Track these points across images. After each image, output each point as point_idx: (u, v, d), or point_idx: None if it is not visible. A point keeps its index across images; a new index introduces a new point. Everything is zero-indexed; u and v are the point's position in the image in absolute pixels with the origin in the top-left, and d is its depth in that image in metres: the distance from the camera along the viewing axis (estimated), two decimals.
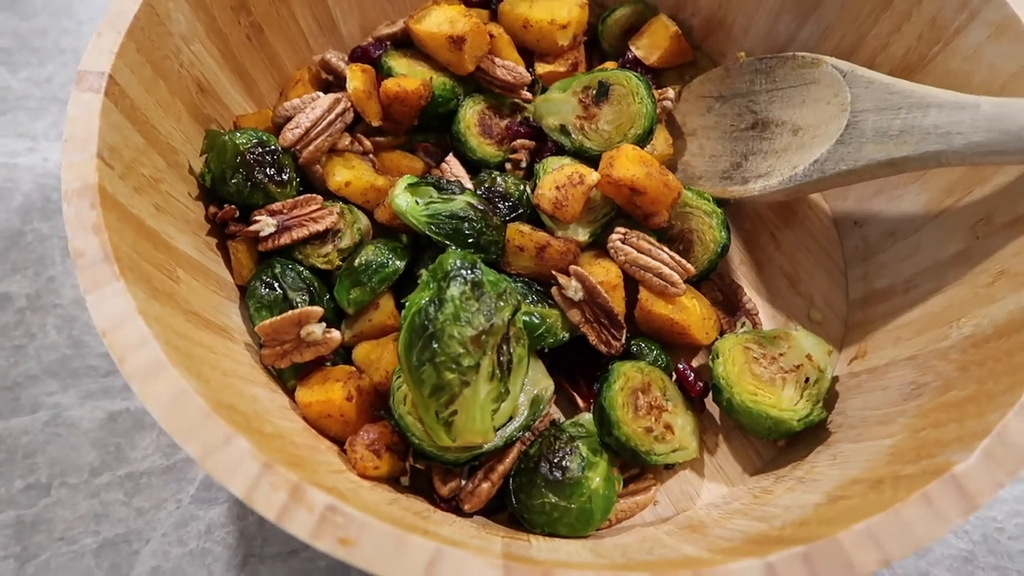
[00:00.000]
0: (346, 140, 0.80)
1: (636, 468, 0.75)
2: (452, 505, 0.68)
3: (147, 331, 0.50)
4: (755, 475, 0.76)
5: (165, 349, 0.50)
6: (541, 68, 0.90)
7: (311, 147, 0.76)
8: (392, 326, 0.74)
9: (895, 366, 0.71)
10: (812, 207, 0.92)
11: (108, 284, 0.51)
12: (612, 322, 0.72)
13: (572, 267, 0.72)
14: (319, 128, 0.76)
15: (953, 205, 0.73)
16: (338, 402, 0.66)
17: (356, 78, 0.79)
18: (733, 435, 0.79)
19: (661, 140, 0.87)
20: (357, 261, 0.73)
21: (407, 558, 0.45)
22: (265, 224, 0.72)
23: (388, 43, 0.87)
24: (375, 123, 0.81)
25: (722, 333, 0.81)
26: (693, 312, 0.76)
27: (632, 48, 0.93)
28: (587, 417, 0.73)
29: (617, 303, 0.74)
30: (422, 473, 0.70)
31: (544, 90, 0.87)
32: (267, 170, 0.74)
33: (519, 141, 0.84)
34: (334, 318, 0.74)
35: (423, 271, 0.65)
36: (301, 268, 0.73)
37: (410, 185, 0.72)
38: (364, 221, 0.78)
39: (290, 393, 0.70)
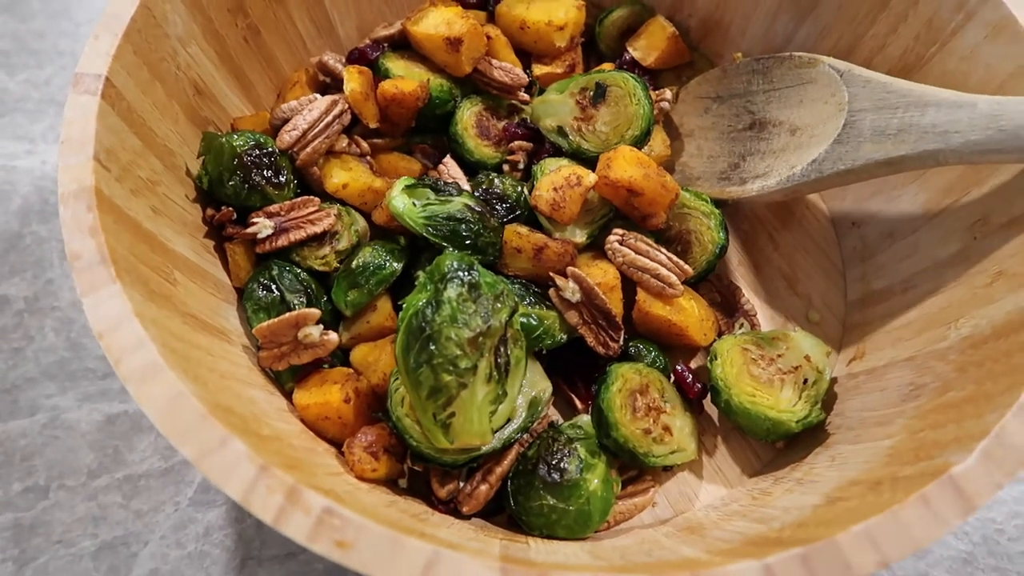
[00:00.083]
0: (343, 142, 0.80)
1: (634, 470, 0.75)
2: (450, 507, 0.68)
3: (144, 333, 0.50)
4: (754, 477, 0.76)
5: (162, 351, 0.50)
6: (538, 69, 0.90)
7: (308, 149, 0.76)
8: (390, 328, 0.74)
9: (893, 367, 0.71)
10: (810, 208, 0.92)
11: (105, 286, 0.51)
12: (610, 323, 0.72)
13: (570, 268, 0.72)
14: (316, 130, 0.76)
15: (951, 206, 0.73)
16: (336, 404, 0.66)
17: (353, 80, 0.79)
18: (731, 436, 0.79)
19: (659, 141, 0.87)
20: (355, 263, 0.73)
21: (404, 561, 0.45)
22: (262, 226, 0.72)
23: (385, 45, 0.87)
24: (372, 125, 0.81)
25: (720, 334, 0.81)
26: (691, 313, 0.76)
27: (629, 49, 0.93)
28: (585, 419, 0.73)
29: (615, 304, 0.74)
30: (420, 475, 0.69)
31: (541, 91, 0.87)
32: (264, 172, 0.74)
33: (516, 143, 0.84)
34: (332, 320, 0.74)
35: (420, 273, 0.65)
36: (299, 270, 0.73)
37: (407, 187, 0.72)
38: (362, 223, 0.78)
39: (288, 395, 0.70)
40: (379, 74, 0.83)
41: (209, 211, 0.74)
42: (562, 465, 0.67)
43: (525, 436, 0.69)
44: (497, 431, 0.65)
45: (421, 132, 0.87)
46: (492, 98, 0.87)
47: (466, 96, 0.86)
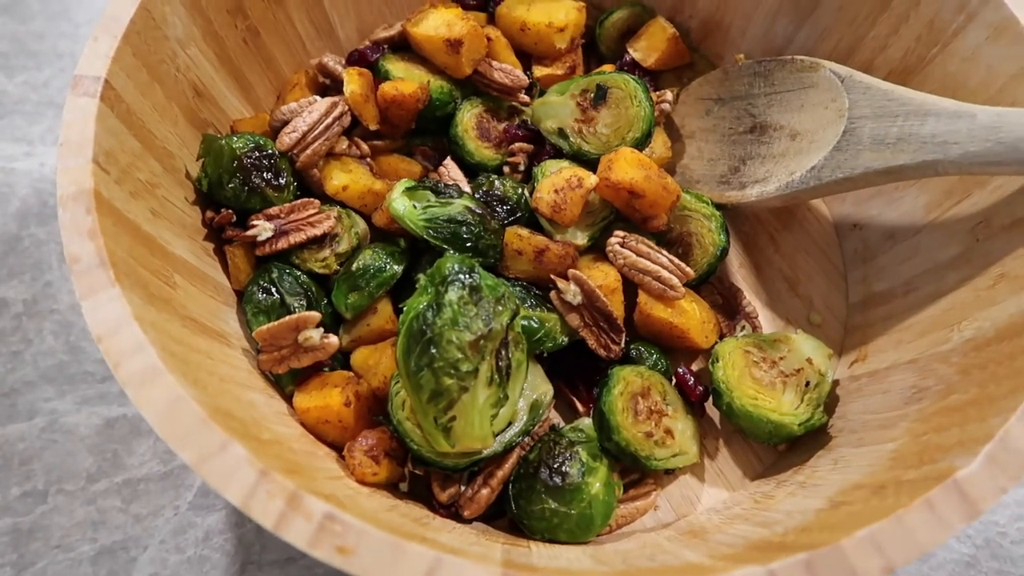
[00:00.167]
0: (343, 144, 0.79)
1: (636, 473, 0.75)
2: (451, 511, 0.67)
3: (143, 337, 0.50)
4: (756, 480, 0.75)
5: (161, 355, 0.50)
6: (539, 71, 0.90)
7: (308, 151, 0.75)
8: (390, 331, 0.73)
9: (896, 370, 0.71)
10: (811, 209, 0.91)
11: (104, 290, 0.51)
12: (611, 326, 0.72)
13: (571, 271, 0.72)
14: (316, 132, 0.76)
15: (952, 208, 0.73)
16: (336, 408, 0.66)
17: (353, 82, 0.79)
18: (733, 439, 0.78)
19: (660, 143, 0.87)
20: (355, 265, 0.73)
21: (405, 566, 0.45)
22: (262, 229, 0.72)
23: (385, 46, 0.87)
24: (372, 127, 0.81)
25: (722, 337, 0.80)
26: (692, 316, 0.76)
27: (630, 50, 0.93)
28: (587, 422, 0.73)
29: (616, 307, 0.74)
30: (421, 479, 0.69)
31: (542, 93, 0.87)
32: (264, 174, 0.73)
33: (517, 144, 0.84)
34: (332, 323, 0.74)
35: (421, 276, 0.64)
36: (299, 273, 0.73)
37: (408, 189, 0.72)
38: (362, 225, 0.78)
39: (288, 399, 0.70)
40: (379, 76, 0.83)
41: (209, 213, 0.73)
42: (564, 469, 0.67)
43: (526, 439, 0.69)
44: (498, 435, 0.65)
45: (421, 134, 0.87)
46: (492, 100, 0.87)
47: (466, 98, 0.86)
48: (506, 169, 0.84)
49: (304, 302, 0.72)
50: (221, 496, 0.71)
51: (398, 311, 0.74)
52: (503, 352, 0.62)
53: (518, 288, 0.73)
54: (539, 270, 0.73)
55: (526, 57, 0.91)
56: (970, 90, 0.70)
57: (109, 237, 0.54)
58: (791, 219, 0.91)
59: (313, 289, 0.73)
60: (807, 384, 0.72)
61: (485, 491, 0.67)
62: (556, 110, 0.81)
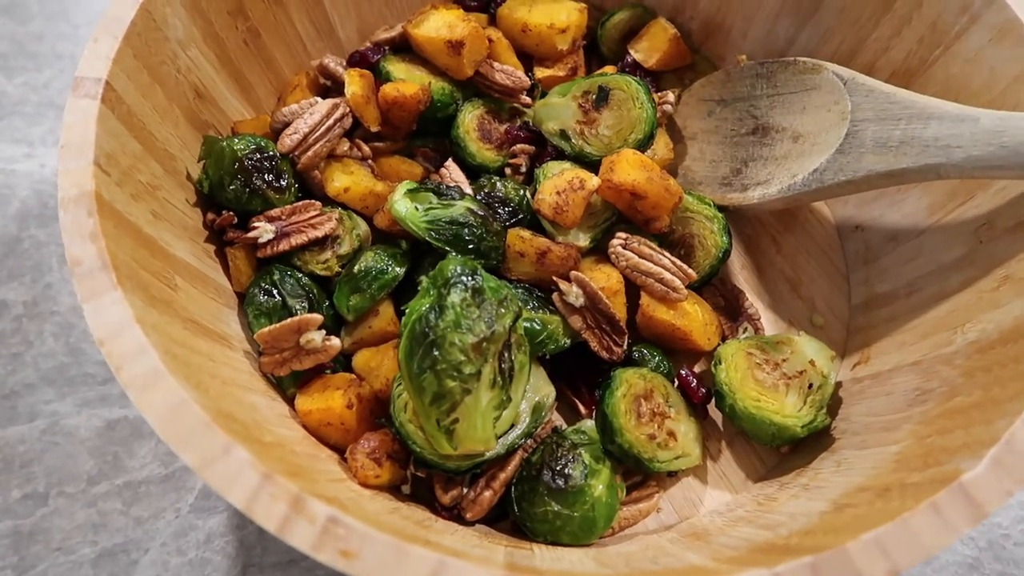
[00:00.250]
0: (345, 145, 0.79)
1: (639, 475, 0.75)
2: (454, 514, 0.67)
3: (145, 340, 0.49)
4: (759, 482, 0.75)
5: (163, 358, 0.49)
6: (540, 72, 0.90)
7: (309, 153, 0.75)
8: (392, 333, 0.73)
9: (899, 372, 0.71)
10: (813, 211, 0.91)
11: (106, 292, 0.51)
12: (614, 328, 0.72)
13: (573, 273, 0.72)
14: (317, 133, 0.75)
15: (956, 210, 0.73)
16: (338, 410, 0.66)
17: (354, 83, 0.79)
18: (736, 442, 0.78)
19: (662, 145, 0.87)
20: (356, 267, 0.73)
21: (409, 570, 0.44)
22: (263, 230, 0.72)
23: (386, 48, 0.87)
24: (374, 128, 0.81)
25: (724, 338, 0.80)
26: (695, 318, 0.75)
27: (631, 51, 0.93)
28: (589, 424, 0.72)
29: (618, 309, 0.73)
30: (423, 481, 0.69)
31: (543, 94, 0.87)
32: (265, 176, 0.73)
33: (519, 146, 0.84)
34: (333, 325, 0.74)
35: (423, 278, 0.64)
36: (300, 275, 0.73)
37: (409, 191, 0.72)
38: (363, 227, 0.77)
39: (289, 401, 0.69)
40: (380, 77, 0.83)
41: (210, 215, 0.73)
42: (566, 471, 0.66)
43: (529, 442, 0.69)
44: (501, 437, 0.65)
45: (422, 135, 0.86)
46: (494, 101, 0.86)
47: (468, 99, 0.86)
48: (508, 171, 0.84)
49: (306, 304, 0.72)
50: (224, 499, 0.71)
51: (400, 313, 0.73)
52: (506, 354, 0.62)
53: (520, 290, 0.73)
54: (541, 272, 0.73)
55: (527, 58, 0.91)
56: (973, 92, 0.70)
57: (111, 239, 0.53)
58: (793, 221, 0.90)
59: (315, 291, 0.73)
60: (810, 386, 0.72)
61: (487, 493, 0.67)
62: (558, 111, 0.81)
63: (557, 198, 0.74)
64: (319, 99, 0.79)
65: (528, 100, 0.86)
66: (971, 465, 0.48)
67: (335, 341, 0.67)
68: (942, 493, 0.47)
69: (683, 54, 0.94)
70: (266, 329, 0.65)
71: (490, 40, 0.84)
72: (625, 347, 0.73)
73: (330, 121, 0.76)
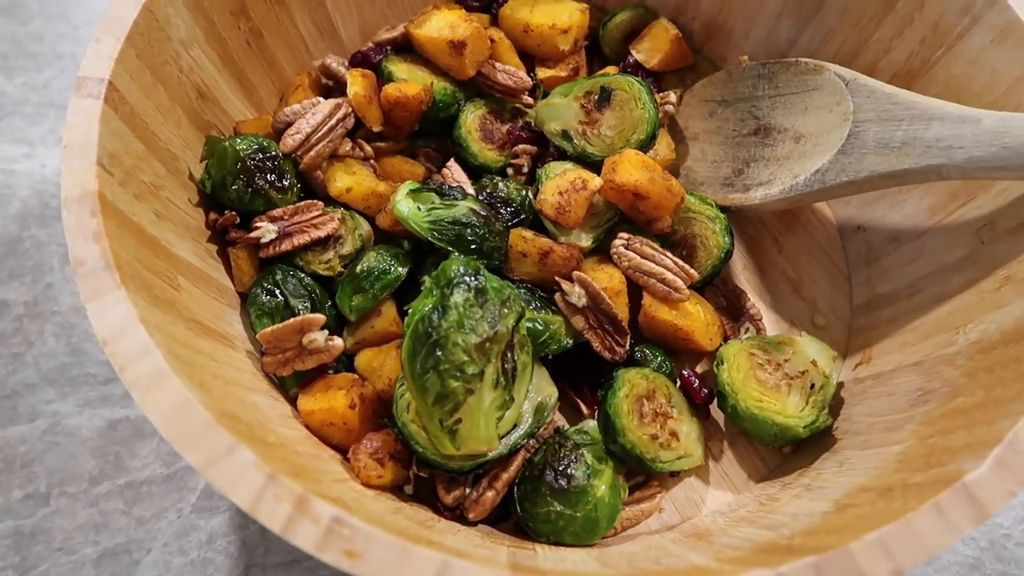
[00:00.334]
0: (347, 146, 0.79)
1: (641, 475, 0.75)
2: (456, 514, 0.67)
3: (149, 340, 0.49)
4: (761, 482, 0.75)
5: (167, 358, 0.49)
6: (542, 73, 0.90)
7: (312, 153, 0.75)
8: (395, 333, 0.73)
9: (901, 372, 0.71)
10: (815, 212, 0.91)
11: (109, 293, 0.51)
12: (616, 328, 0.72)
13: (575, 273, 0.72)
14: (320, 134, 0.75)
15: (957, 210, 0.73)
16: (341, 410, 0.66)
17: (357, 83, 0.79)
18: (738, 442, 0.78)
19: (664, 145, 0.87)
20: (359, 267, 0.73)
21: (413, 570, 0.45)
22: (266, 230, 0.72)
23: (388, 48, 0.87)
24: (376, 128, 0.81)
25: (726, 339, 0.80)
26: (697, 318, 0.75)
27: (633, 52, 0.93)
28: (591, 424, 0.72)
29: (621, 309, 0.73)
30: (426, 482, 0.69)
31: (545, 95, 0.87)
32: (268, 176, 0.73)
33: (521, 146, 0.84)
34: (336, 325, 0.74)
35: (426, 278, 0.64)
36: (302, 275, 0.73)
37: (412, 191, 0.72)
38: (365, 227, 0.77)
39: (292, 401, 0.69)
40: (382, 77, 0.83)
41: (212, 215, 0.73)
42: (569, 471, 0.66)
43: (531, 442, 0.69)
44: (503, 437, 0.65)
45: (425, 135, 0.86)
46: (496, 101, 0.86)
47: (470, 99, 0.86)
48: (510, 171, 0.84)
49: (308, 304, 0.72)
50: (227, 499, 0.71)
51: (402, 313, 0.74)
52: (508, 354, 0.62)
53: (523, 290, 0.73)
54: (544, 272, 0.73)
55: (529, 59, 0.91)
56: (974, 93, 0.70)
57: (114, 239, 0.53)
58: (794, 221, 0.91)
59: (317, 291, 0.73)
60: (812, 386, 0.72)
61: (490, 493, 0.67)
62: (560, 112, 0.81)
63: (559, 198, 0.74)
64: (321, 99, 0.79)
65: (530, 100, 0.86)
66: (974, 465, 0.48)
67: (337, 341, 0.67)
68: (945, 493, 0.47)
69: (685, 55, 0.94)
70: (269, 329, 0.65)
71: (492, 40, 0.84)
72: (627, 347, 0.73)
73: (332, 121, 0.76)
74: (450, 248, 0.70)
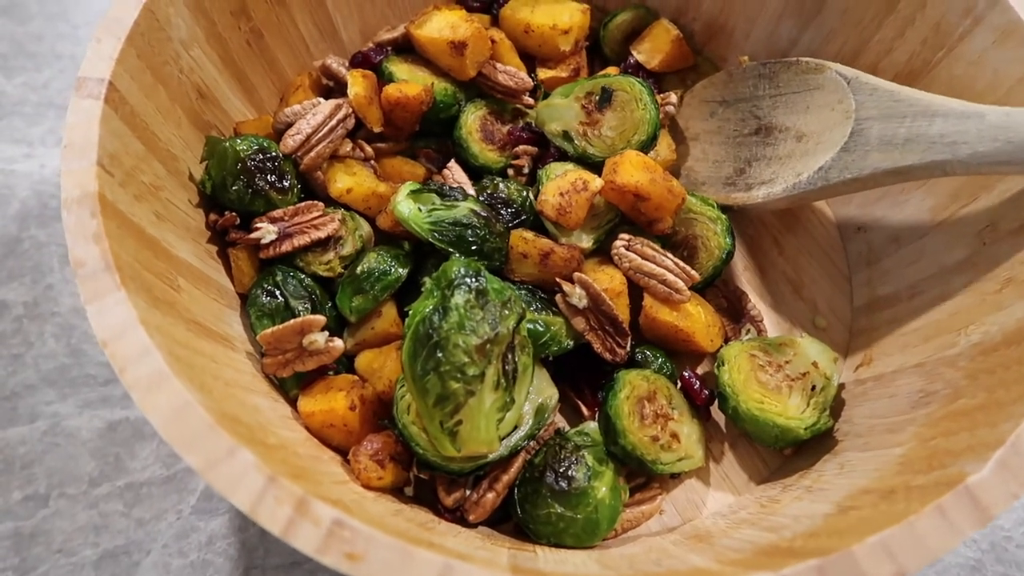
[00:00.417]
0: (347, 146, 0.79)
1: (642, 477, 0.74)
2: (457, 515, 0.67)
3: (149, 341, 0.49)
4: (762, 484, 0.75)
5: (167, 359, 0.49)
6: (543, 73, 0.90)
7: (312, 153, 0.75)
8: (395, 334, 0.73)
9: (902, 373, 0.71)
10: (815, 212, 0.91)
11: (109, 294, 0.51)
12: (617, 329, 0.72)
13: (576, 274, 0.71)
14: (320, 134, 0.75)
15: (958, 211, 0.73)
16: (341, 412, 0.65)
17: (357, 84, 0.79)
18: (739, 443, 0.78)
19: (664, 146, 0.87)
20: (359, 268, 0.73)
21: (414, 572, 0.44)
22: (266, 231, 0.72)
23: (389, 48, 0.87)
24: (376, 129, 0.81)
25: (727, 340, 0.80)
26: (698, 319, 0.75)
27: (633, 52, 0.93)
28: (592, 426, 0.72)
29: (621, 310, 0.73)
30: (426, 483, 0.69)
31: (546, 95, 0.87)
32: (268, 177, 0.73)
33: (521, 147, 0.84)
34: (336, 326, 0.73)
35: (427, 279, 0.64)
36: (303, 276, 0.73)
37: (412, 192, 0.72)
38: (366, 228, 0.77)
39: (292, 403, 0.69)
40: (383, 78, 0.83)
41: (212, 216, 0.73)
42: (569, 473, 0.66)
43: (532, 443, 0.69)
44: (504, 439, 0.65)
45: (425, 136, 0.86)
46: (496, 102, 0.86)
47: (470, 100, 0.86)
48: (510, 172, 0.84)
49: (308, 305, 0.71)
50: (227, 501, 0.71)
51: (403, 314, 0.73)
52: (509, 356, 0.62)
53: (523, 291, 0.73)
54: (544, 273, 0.73)
55: (530, 59, 0.91)
56: (976, 93, 0.70)
57: (114, 240, 0.53)
58: (795, 222, 0.90)
59: (317, 292, 0.73)
60: (813, 388, 0.72)
61: (491, 495, 0.66)
62: (561, 113, 0.81)
63: (560, 199, 0.74)
64: (322, 100, 0.78)
65: (531, 101, 0.86)
66: (976, 468, 0.48)
67: (338, 342, 0.67)
68: (948, 496, 0.47)
69: (686, 55, 0.94)
70: (269, 330, 0.65)
71: (493, 41, 0.84)
72: (628, 349, 0.73)
73: (333, 122, 0.76)
74: (451, 249, 0.69)
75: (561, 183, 0.74)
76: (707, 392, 0.75)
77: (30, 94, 1.02)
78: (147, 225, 0.60)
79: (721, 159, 0.86)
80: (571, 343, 0.72)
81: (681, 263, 0.76)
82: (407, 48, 0.87)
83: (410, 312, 0.60)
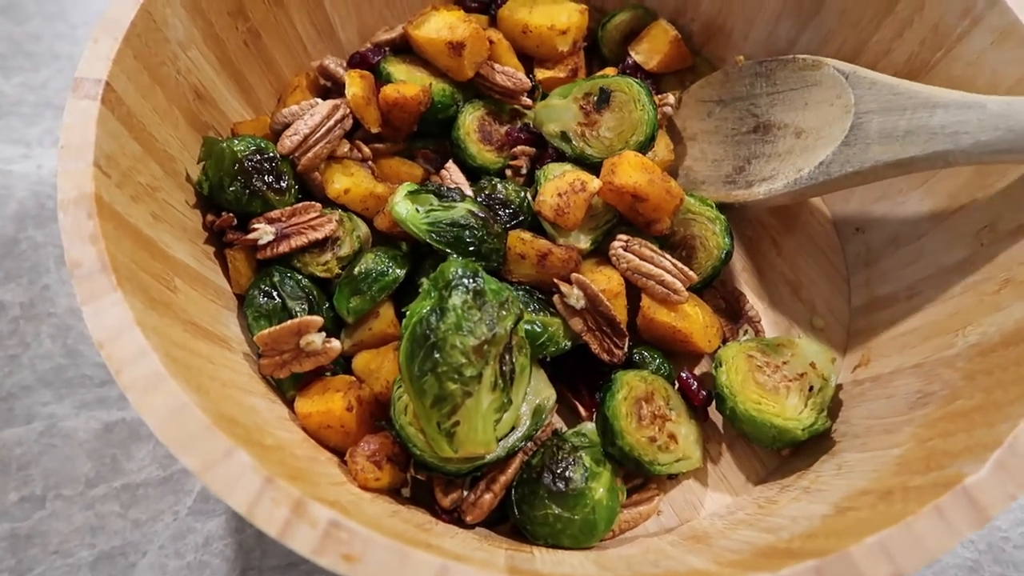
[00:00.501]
0: (345, 147, 0.79)
1: (639, 478, 0.74)
2: (454, 517, 0.67)
3: (145, 342, 0.49)
4: (759, 485, 0.75)
5: (164, 360, 0.49)
6: (541, 74, 0.90)
7: (310, 154, 0.75)
8: (392, 335, 0.73)
9: (900, 374, 0.71)
10: (813, 212, 0.91)
11: (106, 295, 0.50)
12: (614, 330, 0.72)
13: (574, 275, 0.71)
14: (318, 135, 0.75)
15: (957, 212, 0.73)
16: (338, 412, 0.65)
17: (355, 84, 0.79)
18: (736, 444, 0.78)
19: (662, 146, 0.87)
20: (357, 269, 0.72)
21: (411, 574, 0.44)
22: (263, 232, 0.72)
23: (387, 49, 0.87)
24: (374, 130, 0.81)
25: (725, 341, 0.80)
26: (696, 320, 0.75)
27: (632, 53, 0.93)
28: (589, 427, 0.72)
29: (619, 311, 0.73)
30: (423, 484, 0.69)
31: (544, 96, 0.87)
32: (265, 177, 0.73)
33: (519, 148, 0.84)
34: (333, 327, 0.73)
35: (424, 280, 0.64)
36: (300, 277, 0.73)
37: (410, 192, 0.72)
38: (363, 229, 0.77)
39: (289, 404, 0.69)
40: (381, 78, 0.82)
41: (209, 217, 0.73)
42: (567, 474, 0.66)
43: (529, 444, 0.68)
44: (501, 439, 0.64)
45: (423, 137, 0.86)
46: (494, 103, 0.86)
47: (468, 101, 0.85)
48: (508, 172, 0.84)
49: (306, 306, 0.71)
50: (224, 503, 0.71)
51: (400, 315, 0.73)
52: (507, 357, 0.62)
53: (521, 292, 0.73)
54: (542, 274, 0.73)
55: (528, 60, 0.91)
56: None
57: (110, 241, 0.53)
58: (793, 223, 0.90)
59: (315, 293, 0.73)
60: (811, 388, 0.72)
61: (488, 496, 0.66)
62: (559, 113, 0.81)
63: (558, 200, 0.73)
64: (319, 100, 0.78)
65: (529, 102, 0.86)
66: (974, 469, 0.48)
67: (335, 343, 0.67)
68: (945, 496, 0.47)
69: (684, 56, 0.94)
70: (266, 331, 0.65)
71: (491, 41, 0.84)
72: (626, 349, 0.73)
73: (330, 122, 0.76)
74: (448, 250, 0.69)
75: (559, 184, 0.74)
76: (705, 393, 0.75)
77: (28, 94, 1.02)
78: (144, 226, 0.60)
79: (720, 158, 0.86)
80: (569, 344, 0.72)
81: (679, 264, 0.76)
82: (405, 49, 0.86)
83: (407, 313, 0.60)
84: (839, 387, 0.78)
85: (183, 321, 0.59)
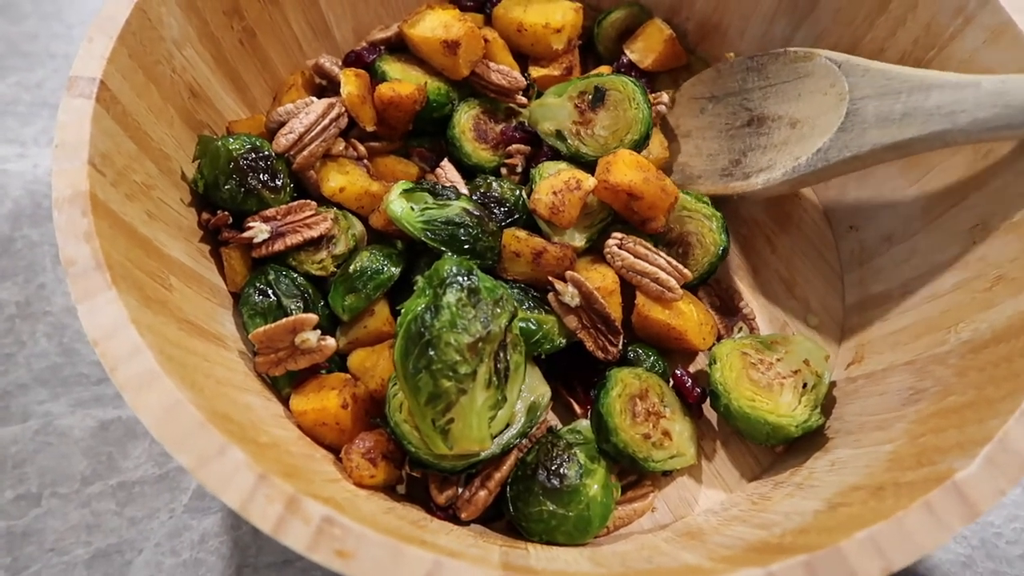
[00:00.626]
0: (340, 145, 0.79)
1: (634, 475, 0.75)
2: (449, 514, 0.67)
3: (140, 340, 0.49)
4: (753, 481, 0.76)
5: (158, 358, 0.49)
6: (536, 72, 0.90)
7: (305, 152, 0.75)
8: (387, 333, 0.73)
9: (893, 371, 0.71)
10: (808, 211, 0.92)
11: (100, 293, 0.51)
12: (609, 328, 0.72)
13: (569, 273, 0.72)
14: (313, 133, 0.75)
15: (949, 210, 0.73)
16: (333, 410, 0.66)
17: (350, 83, 0.79)
18: (731, 441, 0.78)
19: (656, 144, 0.87)
20: (352, 267, 0.73)
21: (405, 570, 0.44)
22: (259, 230, 0.72)
23: (382, 47, 0.87)
24: (369, 128, 0.81)
25: (719, 338, 0.80)
26: (690, 317, 0.76)
27: (627, 51, 0.93)
28: (584, 424, 0.72)
29: (614, 309, 0.73)
30: (418, 481, 0.69)
31: (539, 94, 0.87)
32: (261, 176, 0.73)
33: (514, 146, 0.84)
34: (328, 325, 0.74)
35: (419, 278, 0.64)
36: (295, 275, 0.73)
37: (405, 191, 0.72)
38: (359, 227, 0.77)
39: (284, 401, 0.69)
40: (376, 77, 0.83)
41: (204, 215, 0.73)
42: (561, 471, 0.66)
43: (524, 441, 0.69)
44: (496, 437, 0.65)
45: (418, 135, 0.86)
46: (490, 101, 0.86)
47: (463, 99, 0.86)
48: (503, 171, 0.84)
49: (301, 304, 0.72)
50: (218, 500, 0.71)
51: (395, 313, 0.74)
52: (501, 354, 0.62)
53: (516, 290, 0.73)
54: (537, 272, 0.73)
55: (523, 58, 0.91)
56: None
57: (105, 239, 0.53)
58: (788, 221, 0.91)
59: (310, 291, 0.73)
60: (804, 386, 0.72)
61: (483, 493, 0.67)
62: (554, 112, 0.81)
63: (553, 198, 0.74)
64: (315, 99, 0.78)
65: (524, 100, 0.86)
66: (964, 464, 0.48)
67: (330, 341, 0.67)
68: (936, 492, 0.47)
69: (679, 55, 0.94)
70: (261, 329, 0.65)
71: (486, 40, 0.84)
72: (620, 347, 0.73)
73: (326, 121, 0.76)
74: (443, 248, 0.70)
75: (554, 182, 0.75)
76: (699, 390, 0.75)
77: (23, 93, 1.02)
78: (139, 224, 0.60)
79: (715, 152, 0.86)
80: (563, 341, 0.72)
81: (673, 261, 0.76)
82: (400, 47, 0.87)
83: (402, 311, 0.61)
84: (833, 384, 0.79)
85: (178, 319, 0.59)
